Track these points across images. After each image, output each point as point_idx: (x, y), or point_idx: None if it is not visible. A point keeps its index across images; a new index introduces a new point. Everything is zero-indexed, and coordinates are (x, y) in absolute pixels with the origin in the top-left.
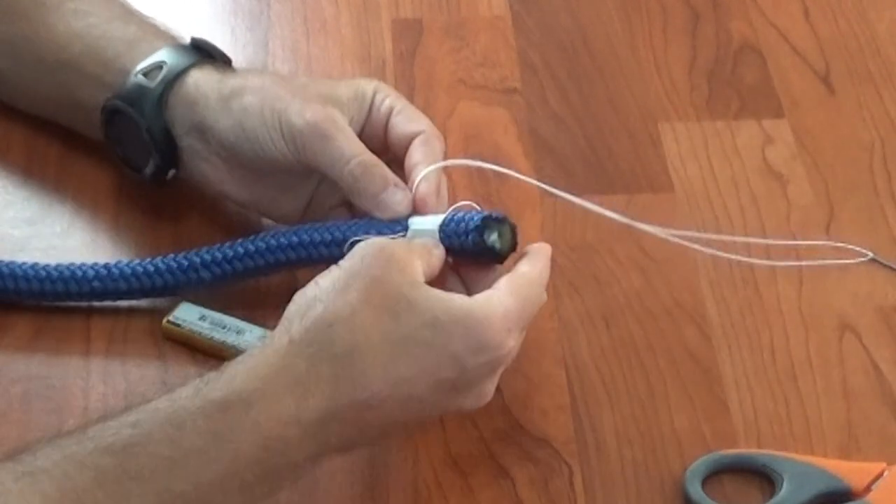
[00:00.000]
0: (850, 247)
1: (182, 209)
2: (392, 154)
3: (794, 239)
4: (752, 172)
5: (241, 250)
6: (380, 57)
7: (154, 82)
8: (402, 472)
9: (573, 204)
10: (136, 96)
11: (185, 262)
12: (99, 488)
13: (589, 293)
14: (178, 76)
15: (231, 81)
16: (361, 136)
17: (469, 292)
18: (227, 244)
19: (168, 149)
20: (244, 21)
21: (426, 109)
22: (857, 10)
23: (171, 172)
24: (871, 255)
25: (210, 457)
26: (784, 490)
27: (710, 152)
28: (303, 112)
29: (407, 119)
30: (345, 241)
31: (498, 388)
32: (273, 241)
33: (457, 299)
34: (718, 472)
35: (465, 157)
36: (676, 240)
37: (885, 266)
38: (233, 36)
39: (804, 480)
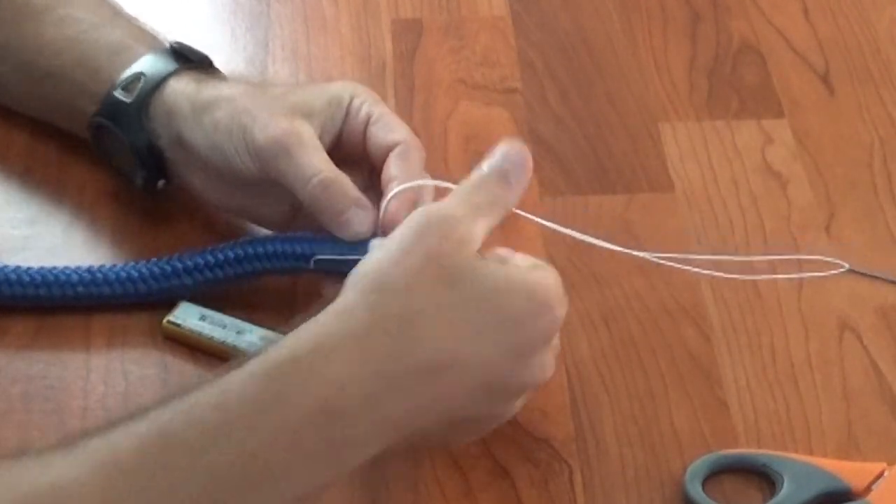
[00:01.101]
0: (828, 259)
1: (182, 209)
2: (370, 164)
3: (794, 239)
4: (752, 172)
5: (201, 261)
6: (380, 57)
7: (132, 97)
8: (402, 472)
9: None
10: (116, 112)
11: (158, 270)
12: (142, 464)
13: (589, 293)
14: (155, 88)
15: (205, 93)
16: (339, 143)
17: None
18: (191, 254)
19: (153, 161)
20: (244, 21)
21: (426, 109)
22: (857, 10)
23: (161, 183)
24: (847, 266)
25: (260, 424)
26: (784, 490)
27: (710, 152)
28: (266, 128)
29: (385, 128)
30: (311, 255)
31: None
32: (241, 252)
33: (512, 266)
34: (718, 472)
35: (465, 156)
36: (662, 262)
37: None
38: (233, 36)
39: (804, 480)
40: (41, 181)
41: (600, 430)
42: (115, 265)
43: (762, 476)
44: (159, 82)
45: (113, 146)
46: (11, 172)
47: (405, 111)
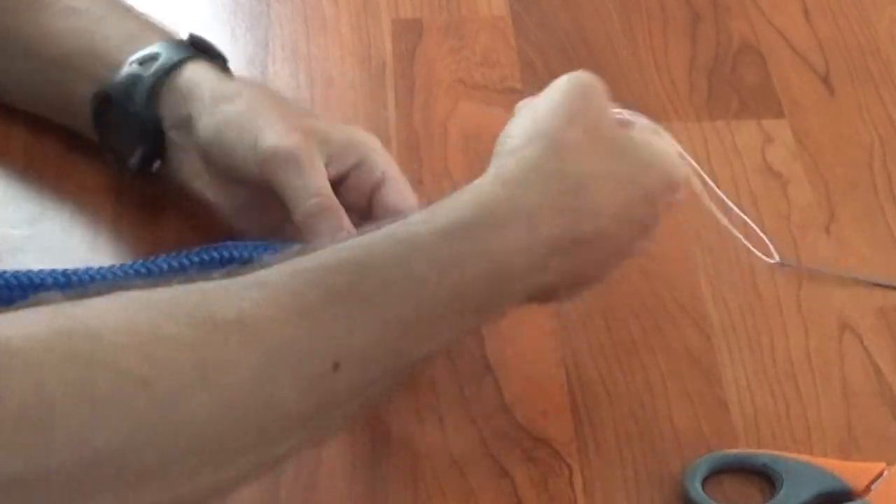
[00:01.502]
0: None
1: (182, 210)
2: (371, 219)
3: (794, 239)
4: (752, 172)
5: (175, 264)
6: (380, 57)
7: (148, 71)
8: (402, 472)
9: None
10: (129, 84)
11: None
12: (328, 307)
13: (589, 293)
14: (173, 68)
15: (228, 85)
16: (342, 187)
17: None
18: (165, 257)
19: (155, 139)
20: (244, 21)
21: (426, 109)
22: (857, 10)
23: (157, 164)
24: (777, 258)
25: (436, 284)
26: (784, 490)
27: (710, 152)
28: (279, 135)
29: (399, 196)
30: None
31: (498, 388)
32: (206, 256)
33: (653, 142)
34: (718, 472)
35: (465, 156)
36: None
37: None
38: (233, 36)
39: (804, 480)
40: (41, 181)
41: (600, 430)
42: (90, 267)
43: (762, 476)
44: (177, 63)
45: (114, 122)
46: (11, 172)
47: (405, 111)
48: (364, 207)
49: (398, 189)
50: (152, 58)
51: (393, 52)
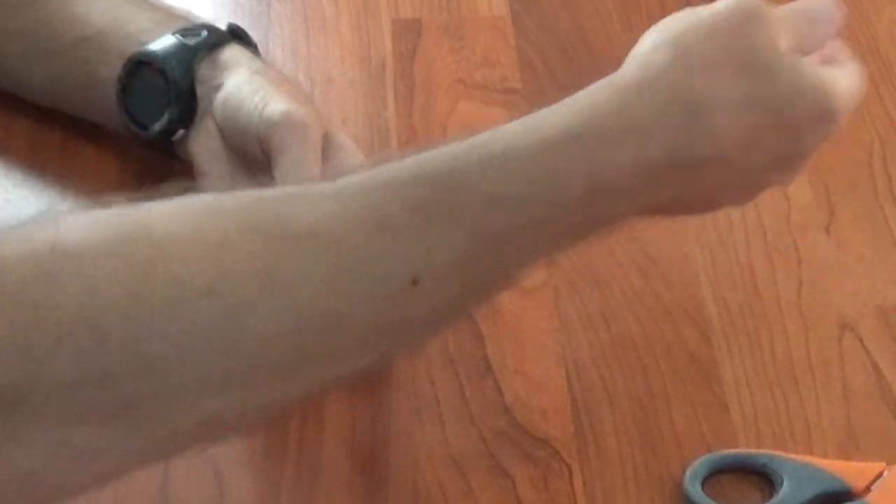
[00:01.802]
0: None
1: None
2: None
3: (794, 239)
4: None
5: None
6: (380, 57)
7: (192, 42)
8: (402, 472)
9: None
10: (172, 51)
11: None
12: (409, 220)
13: (589, 293)
14: (216, 45)
15: (261, 66)
16: None
17: None
18: None
19: (186, 105)
20: (244, 21)
21: (426, 109)
22: (857, 10)
23: (179, 133)
24: None
25: (533, 202)
26: (784, 490)
27: None
28: (294, 105)
29: (349, 158)
30: None
31: (498, 388)
32: None
33: (807, 70)
34: (718, 472)
35: None
36: None
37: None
38: None
39: (804, 480)
40: (41, 180)
41: (600, 430)
42: None
43: (762, 476)
44: (220, 42)
45: (145, 86)
46: (11, 172)
47: (405, 111)
48: None
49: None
50: (195, 33)
51: (393, 52)
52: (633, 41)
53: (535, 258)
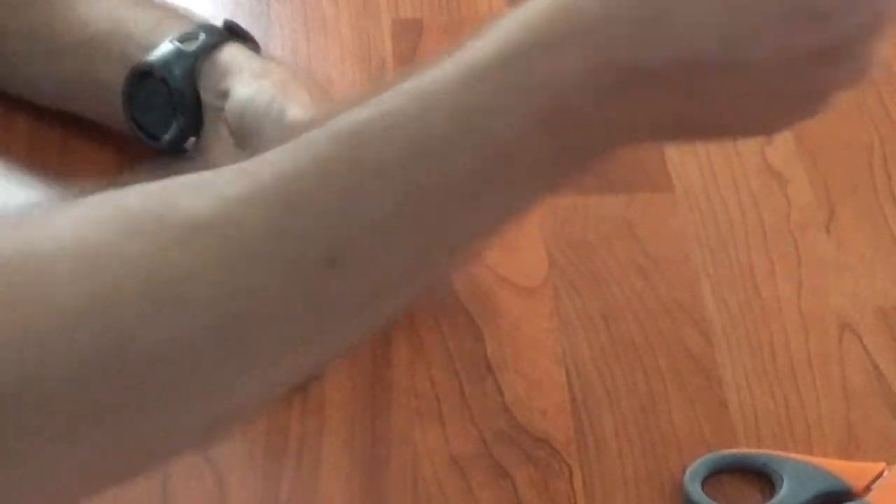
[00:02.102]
0: None
1: None
2: None
3: (794, 239)
4: (752, 172)
5: None
6: (380, 57)
7: (190, 48)
8: (402, 472)
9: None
10: (171, 59)
11: None
12: (319, 191)
13: (589, 293)
14: (214, 47)
15: (267, 64)
16: None
17: None
18: None
19: (193, 113)
20: (244, 21)
21: None
22: None
23: (191, 141)
24: None
25: (462, 144)
26: (784, 490)
27: (710, 152)
28: (306, 107)
29: None
30: None
31: (498, 388)
32: None
33: None
34: (718, 472)
35: None
36: None
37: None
38: None
39: (804, 480)
40: (41, 180)
41: (600, 430)
42: None
43: (762, 476)
44: (218, 43)
45: (151, 97)
46: (11, 172)
47: None
48: None
49: None
50: (193, 37)
51: (393, 52)
52: None
53: (497, 216)
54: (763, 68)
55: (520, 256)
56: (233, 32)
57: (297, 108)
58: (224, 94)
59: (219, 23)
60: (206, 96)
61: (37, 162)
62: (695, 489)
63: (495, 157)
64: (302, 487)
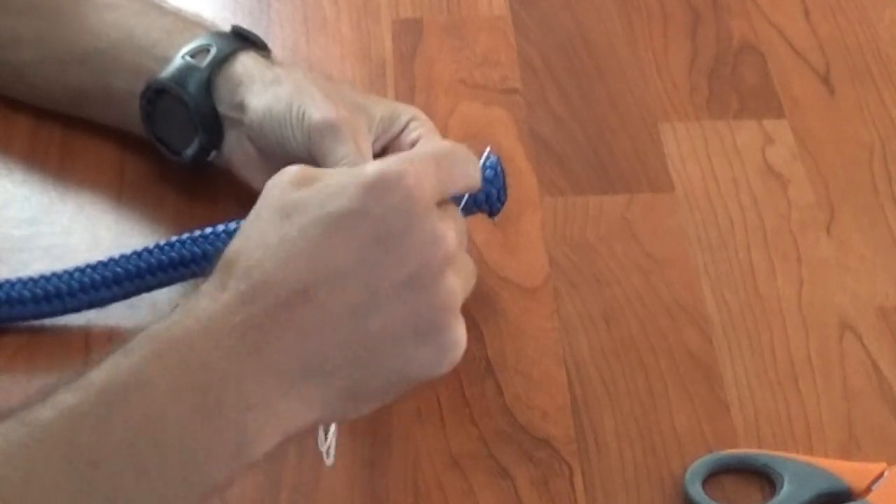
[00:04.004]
0: None
1: (184, 207)
2: None
3: (794, 239)
4: (752, 172)
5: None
6: (380, 57)
7: (203, 63)
8: (402, 472)
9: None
10: (185, 76)
11: (99, 277)
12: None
13: (589, 293)
14: (226, 58)
15: (277, 70)
16: (383, 154)
17: None
18: (140, 251)
19: (212, 129)
20: (244, 21)
21: (426, 109)
22: (858, 10)
23: (213, 154)
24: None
25: (123, 406)
26: (784, 490)
27: (711, 152)
28: (324, 109)
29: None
30: None
31: (498, 388)
32: (197, 250)
33: (344, 173)
34: (719, 473)
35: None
36: None
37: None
38: None
39: (804, 480)
40: (41, 180)
41: (600, 430)
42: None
43: (762, 476)
44: (229, 54)
45: (169, 114)
46: (11, 171)
47: None
48: None
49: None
50: (204, 49)
51: (393, 52)
52: (634, 41)
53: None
54: (357, 306)
55: (520, 257)
56: (242, 37)
57: (316, 111)
58: (240, 107)
59: (225, 26)
60: (223, 109)
61: (37, 161)
62: (695, 489)
63: (147, 427)
64: (302, 488)
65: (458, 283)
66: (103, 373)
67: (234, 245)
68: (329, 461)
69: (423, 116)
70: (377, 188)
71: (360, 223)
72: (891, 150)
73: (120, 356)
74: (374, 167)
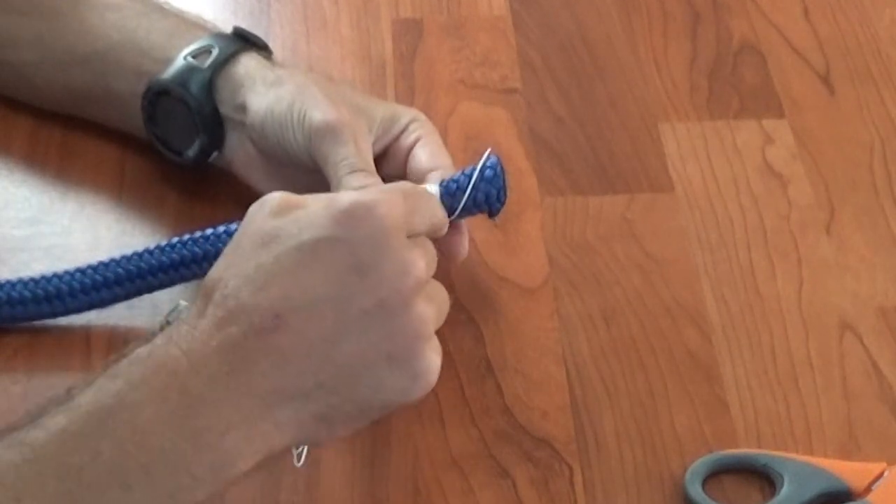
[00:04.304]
0: None
1: (184, 207)
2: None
3: (794, 239)
4: (752, 172)
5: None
6: (380, 57)
7: (205, 64)
8: (402, 472)
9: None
10: (187, 77)
11: (101, 277)
12: None
13: (589, 293)
14: (228, 59)
15: (278, 71)
16: (384, 156)
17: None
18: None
19: (214, 130)
20: (244, 21)
21: (426, 109)
22: (858, 10)
23: (214, 155)
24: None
25: (109, 425)
26: (784, 490)
27: (710, 152)
28: (326, 111)
29: (430, 154)
30: None
31: (498, 388)
32: (198, 251)
33: (310, 203)
34: (719, 472)
35: (465, 156)
36: None
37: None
38: None
39: (804, 480)
40: (41, 180)
41: (600, 430)
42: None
43: (762, 476)
44: (231, 55)
45: (171, 115)
46: (11, 171)
47: None
48: (403, 175)
49: (431, 150)
50: (206, 51)
51: (393, 52)
52: (634, 41)
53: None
54: (329, 332)
55: (520, 257)
56: (243, 39)
57: (317, 112)
58: (241, 108)
59: (227, 27)
60: (225, 110)
61: (37, 162)
62: (695, 489)
63: (130, 444)
64: (302, 488)
65: (429, 311)
66: (90, 396)
67: (214, 273)
68: (298, 463)
69: (423, 118)
70: (350, 217)
71: (333, 251)
72: (891, 150)
73: (105, 380)
74: (347, 197)
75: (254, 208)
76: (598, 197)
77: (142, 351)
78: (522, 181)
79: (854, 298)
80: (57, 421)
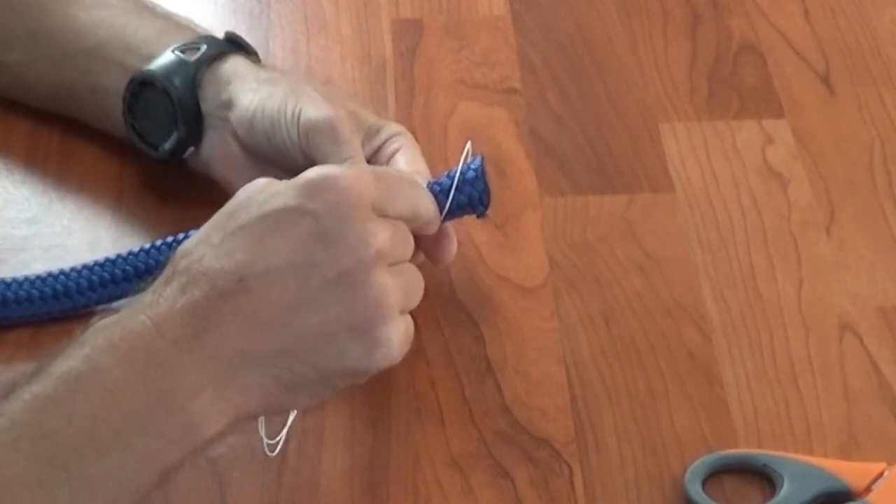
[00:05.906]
0: None
1: (184, 207)
2: None
3: (794, 239)
4: (752, 172)
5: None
6: (380, 57)
7: (191, 58)
8: (402, 472)
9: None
10: (173, 69)
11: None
12: None
13: (589, 293)
14: (216, 58)
15: (271, 71)
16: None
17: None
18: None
19: (193, 123)
20: (244, 21)
21: (426, 109)
22: (857, 10)
23: (190, 150)
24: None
25: (80, 390)
26: (784, 490)
27: (710, 152)
28: (321, 108)
29: (409, 160)
30: None
31: (498, 388)
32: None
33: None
34: (718, 472)
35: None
36: None
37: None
38: None
39: (804, 480)
40: (41, 180)
41: (600, 430)
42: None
43: (762, 476)
44: (219, 54)
45: (151, 106)
46: (11, 172)
47: (405, 111)
48: None
49: (408, 158)
50: (195, 47)
51: (393, 52)
52: (634, 41)
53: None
54: (292, 299)
55: (520, 257)
56: (234, 44)
57: (312, 109)
58: (227, 104)
59: (220, 34)
60: (207, 106)
61: (37, 162)
62: (695, 489)
63: (101, 406)
64: (302, 487)
65: (391, 283)
66: (59, 362)
67: (182, 247)
68: (272, 453)
69: (407, 133)
70: (315, 188)
71: (297, 220)
72: (891, 150)
73: (73, 347)
74: (315, 170)
75: (240, 192)
76: (597, 197)
77: (108, 319)
78: (522, 181)
79: (854, 298)
80: (29, 388)
